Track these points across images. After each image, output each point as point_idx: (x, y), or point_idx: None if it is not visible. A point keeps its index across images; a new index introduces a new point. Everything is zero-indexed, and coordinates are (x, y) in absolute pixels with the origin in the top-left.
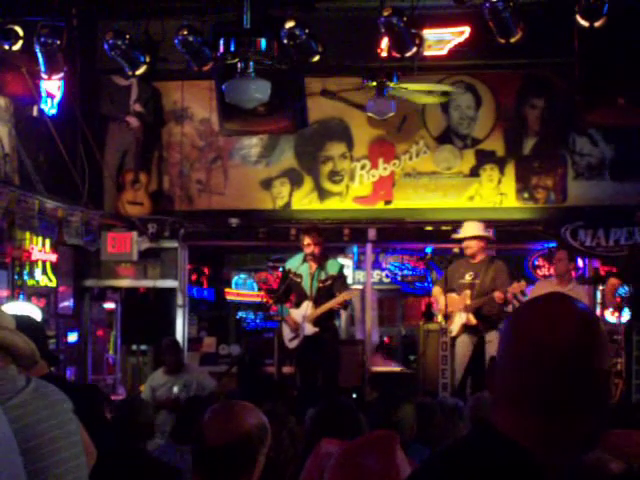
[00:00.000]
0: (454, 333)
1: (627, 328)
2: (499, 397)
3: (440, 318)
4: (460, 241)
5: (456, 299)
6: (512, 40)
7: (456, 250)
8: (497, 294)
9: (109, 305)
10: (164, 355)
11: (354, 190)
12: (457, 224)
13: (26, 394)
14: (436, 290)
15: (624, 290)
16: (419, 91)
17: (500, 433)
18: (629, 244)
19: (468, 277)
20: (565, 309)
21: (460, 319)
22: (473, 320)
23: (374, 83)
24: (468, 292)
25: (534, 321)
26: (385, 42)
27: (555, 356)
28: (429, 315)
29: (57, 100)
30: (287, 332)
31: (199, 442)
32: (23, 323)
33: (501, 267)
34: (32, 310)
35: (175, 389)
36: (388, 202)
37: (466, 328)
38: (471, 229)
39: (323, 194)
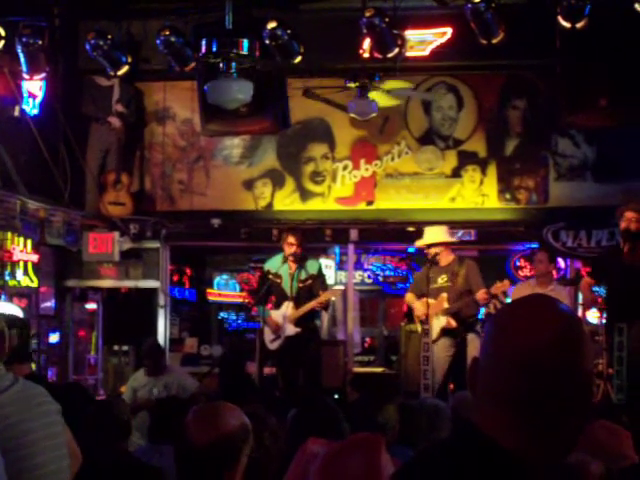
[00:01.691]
0: (433, 337)
1: (608, 329)
2: (481, 397)
3: (418, 326)
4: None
5: (433, 303)
6: (494, 41)
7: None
8: (479, 295)
9: (91, 305)
10: (145, 357)
11: (336, 191)
12: (439, 225)
13: (11, 393)
14: (409, 297)
15: (600, 289)
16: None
17: (482, 433)
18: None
19: (441, 280)
20: (548, 310)
21: (439, 323)
22: (453, 323)
23: (356, 84)
24: (445, 295)
25: (517, 322)
26: (367, 43)
27: (537, 357)
28: (411, 316)
29: (39, 100)
30: (268, 333)
31: (182, 442)
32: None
33: (472, 266)
34: (13, 310)
35: (155, 391)
36: (370, 203)
37: (445, 331)
38: (432, 236)
39: (305, 195)
